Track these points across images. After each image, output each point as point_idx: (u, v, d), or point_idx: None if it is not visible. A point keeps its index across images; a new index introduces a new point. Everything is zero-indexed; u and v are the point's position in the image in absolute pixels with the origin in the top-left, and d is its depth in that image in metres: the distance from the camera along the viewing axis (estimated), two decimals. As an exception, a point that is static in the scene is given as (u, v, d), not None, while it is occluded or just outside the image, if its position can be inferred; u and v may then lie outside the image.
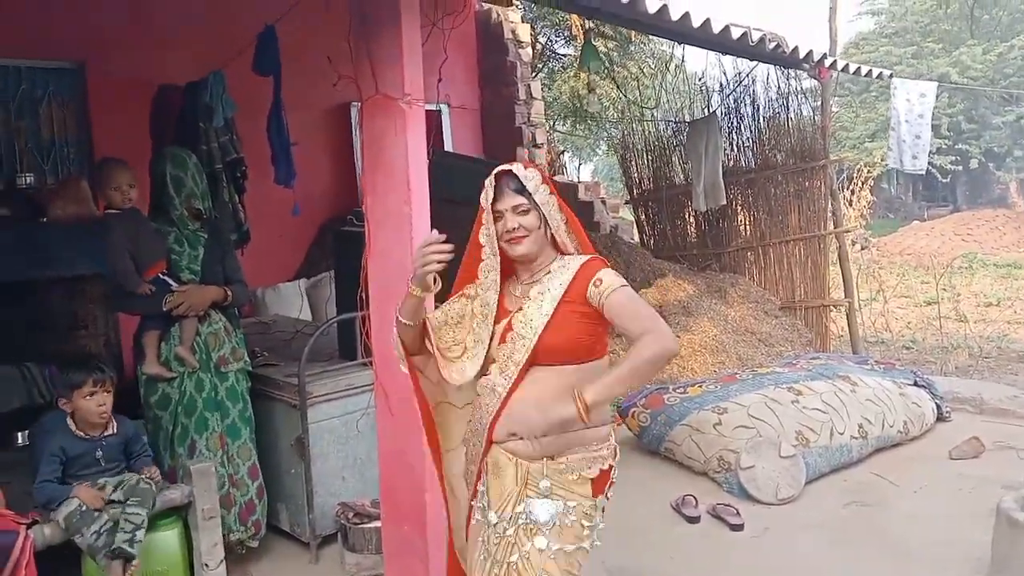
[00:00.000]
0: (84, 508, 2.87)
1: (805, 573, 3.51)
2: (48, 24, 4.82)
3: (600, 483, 2.15)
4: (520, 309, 2.13)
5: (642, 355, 1.97)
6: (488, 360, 2.16)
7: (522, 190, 2.13)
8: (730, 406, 4.66)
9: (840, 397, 4.79)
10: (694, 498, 4.14)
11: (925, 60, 24.20)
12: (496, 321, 2.17)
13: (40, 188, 4.77)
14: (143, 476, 3.06)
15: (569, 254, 2.21)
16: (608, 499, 2.19)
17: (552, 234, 2.18)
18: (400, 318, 2.20)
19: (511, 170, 2.16)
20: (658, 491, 4.33)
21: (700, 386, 5.06)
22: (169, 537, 3.18)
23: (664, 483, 4.46)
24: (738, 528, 3.89)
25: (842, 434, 4.56)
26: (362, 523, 3.45)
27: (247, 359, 3.73)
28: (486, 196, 2.17)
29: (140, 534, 2.90)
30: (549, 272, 2.16)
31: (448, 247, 2.10)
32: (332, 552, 3.66)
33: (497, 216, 2.15)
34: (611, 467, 2.17)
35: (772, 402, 4.65)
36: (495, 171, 2.18)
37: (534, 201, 2.13)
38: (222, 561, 3.25)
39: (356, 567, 3.45)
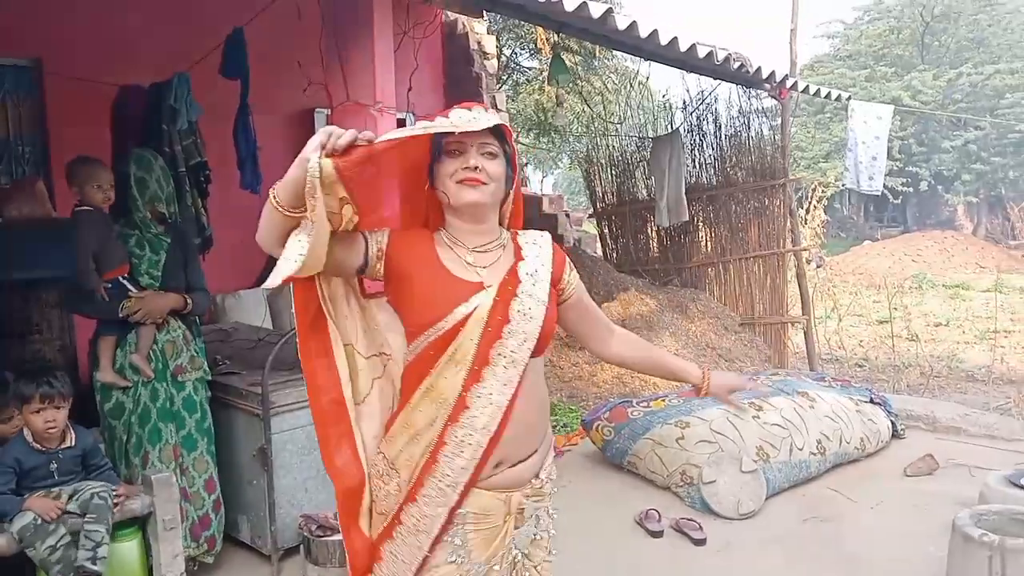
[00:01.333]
0: (38, 522, 2.77)
1: (766, 588, 3.55)
2: (2, 20, 4.68)
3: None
4: (515, 295, 1.73)
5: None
6: (480, 360, 1.70)
7: (498, 133, 1.75)
8: (692, 420, 4.69)
9: (800, 413, 4.85)
10: (657, 512, 4.16)
11: (878, 83, 24.85)
12: (446, 296, 1.72)
13: (-6, 188, 4.64)
14: (99, 491, 2.95)
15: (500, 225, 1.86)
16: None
17: (507, 195, 1.82)
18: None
19: (488, 109, 1.77)
20: (621, 505, 4.34)
21: (663, 400, 5.09)
22: (128, 548, 3.08)
23: (627, 497, 4.48)
24: (701, 543, 3.91)
25: (801, 450, 4.62)
26: (325, 535, 3.39)
27: (207, 368, 3.64)
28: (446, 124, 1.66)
29: (102, 550, 2.81)
30: (516, 247, 1.83)
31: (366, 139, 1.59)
32: (294, 565, 3.59)
33: (454, 149, 1.72)
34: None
35: (733, 417, 4.70)
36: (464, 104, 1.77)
37: (505, 151, 1.77)
38: (182, 573, 3.17)
39: (318, 580, 3.39)
